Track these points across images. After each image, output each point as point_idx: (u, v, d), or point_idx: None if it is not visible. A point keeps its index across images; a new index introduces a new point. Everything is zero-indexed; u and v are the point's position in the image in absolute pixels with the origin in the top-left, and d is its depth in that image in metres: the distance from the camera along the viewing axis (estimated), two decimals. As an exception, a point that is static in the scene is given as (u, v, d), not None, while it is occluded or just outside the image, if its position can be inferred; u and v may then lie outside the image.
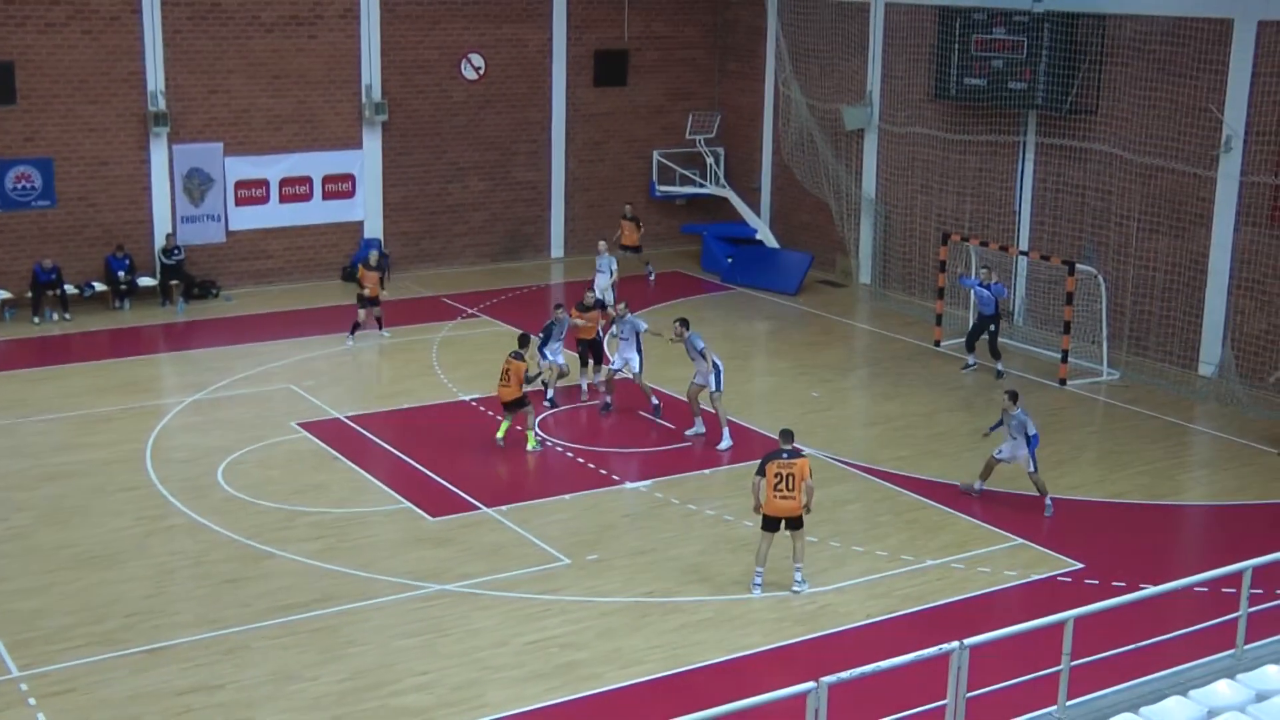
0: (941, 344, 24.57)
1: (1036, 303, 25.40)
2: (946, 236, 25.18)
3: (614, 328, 20.96)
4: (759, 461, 14.94)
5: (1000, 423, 17.68)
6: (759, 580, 14.93)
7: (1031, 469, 17.32)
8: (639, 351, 20.52)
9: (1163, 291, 23.51)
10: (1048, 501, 17.42)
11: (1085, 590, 15.02)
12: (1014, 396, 17.54)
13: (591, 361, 21.66)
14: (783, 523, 14.84)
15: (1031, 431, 17.26)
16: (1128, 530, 17.08)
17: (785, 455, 14.76)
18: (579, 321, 21.39)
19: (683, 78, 32.21)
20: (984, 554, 16.10)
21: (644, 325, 20.60)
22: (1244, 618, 10.60)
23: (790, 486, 14.61)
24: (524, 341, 19.72)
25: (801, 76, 29.78)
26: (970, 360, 23.35)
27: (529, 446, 19.09)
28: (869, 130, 28.69)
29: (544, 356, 20.88)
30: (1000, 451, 17.57)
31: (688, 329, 19.77)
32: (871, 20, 28.32)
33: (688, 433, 19.95)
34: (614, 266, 25.63)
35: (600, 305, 22.16)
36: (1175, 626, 12.26)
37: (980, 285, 23.00)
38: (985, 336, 23.10)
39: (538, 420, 19.71)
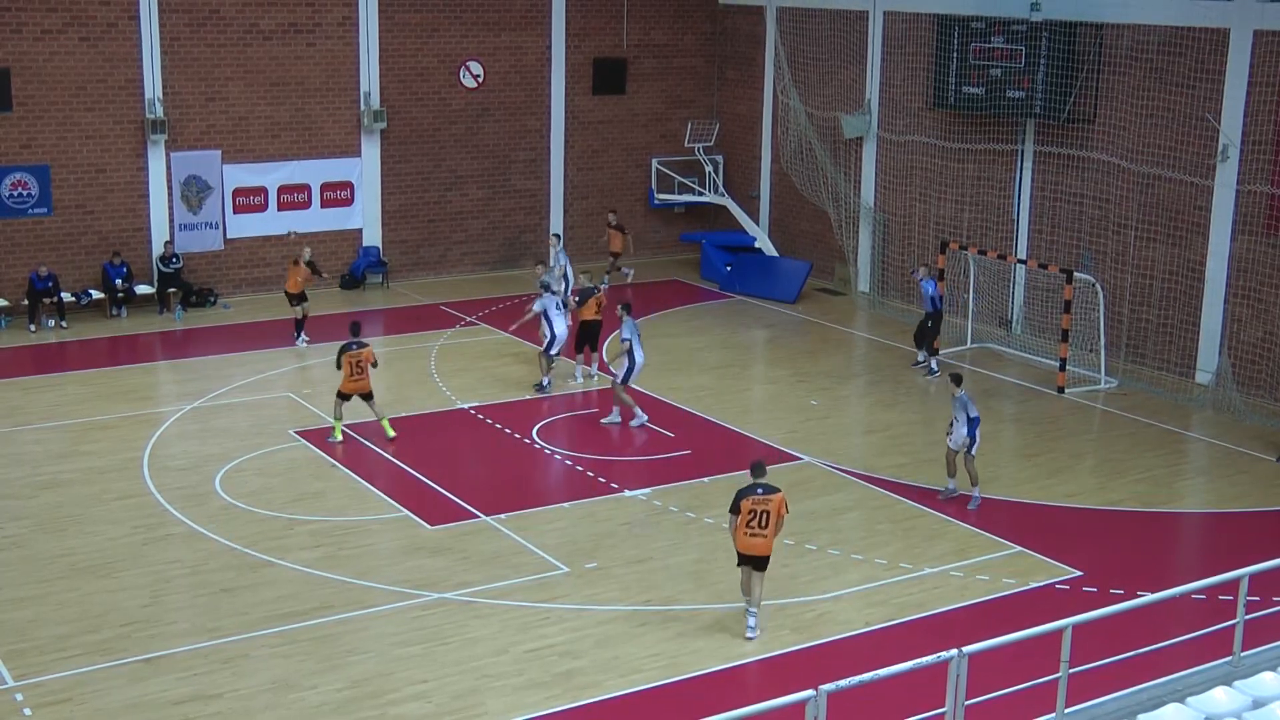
0: (939, 352, 24.56)
1: (1034, 311, 25.42)
2: (945, 245, 25.21)
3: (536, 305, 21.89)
4: (733, 498, 13.94)
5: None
6: (753, 621, 14.02)
7: (969, 453, 17.46)
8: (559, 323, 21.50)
9: (1160, 299, 23.54)
10: (975, 494, 17.56)
11: (1083, 598, 15.02)
12: (957, 379, 17.82)
13: (587, 349, 22.45)
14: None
15: (973, 414, 17.42)
16: (1126, 538, 17.08)
17: (760, 491, 13.78)
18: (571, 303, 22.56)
19: (681, 86, 32.25)
20: (982, 562, 16.10)
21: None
22: (1241, 625, 10.60)
23: (763, 524, 13.72)
24: (357, 329, 19.93)
25: (800, 85, 29.81)
26: (932, 364, 23.50)
27: (391, 434, 19.61)
28: (867, 138, 28.72)
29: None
30: (952, 441, 17.72)
31: (628, 313, 20.64)
32: (870, 29, 28.37)
33: (633, 423, 20.30)
34: (564, 261, 25.61)
35: (592, 292, 22.57)
36: (1173, 634, 12.28)
37: (922, 281, 23.42)
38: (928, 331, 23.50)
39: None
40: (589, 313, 22.26)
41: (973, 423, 17.43)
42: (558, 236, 27.27)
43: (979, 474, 17.75)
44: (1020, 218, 25.89)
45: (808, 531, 16.80)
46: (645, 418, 20.33)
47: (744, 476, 18.42)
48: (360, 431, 20.17)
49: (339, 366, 19.40)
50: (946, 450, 17.90)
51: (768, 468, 14.23)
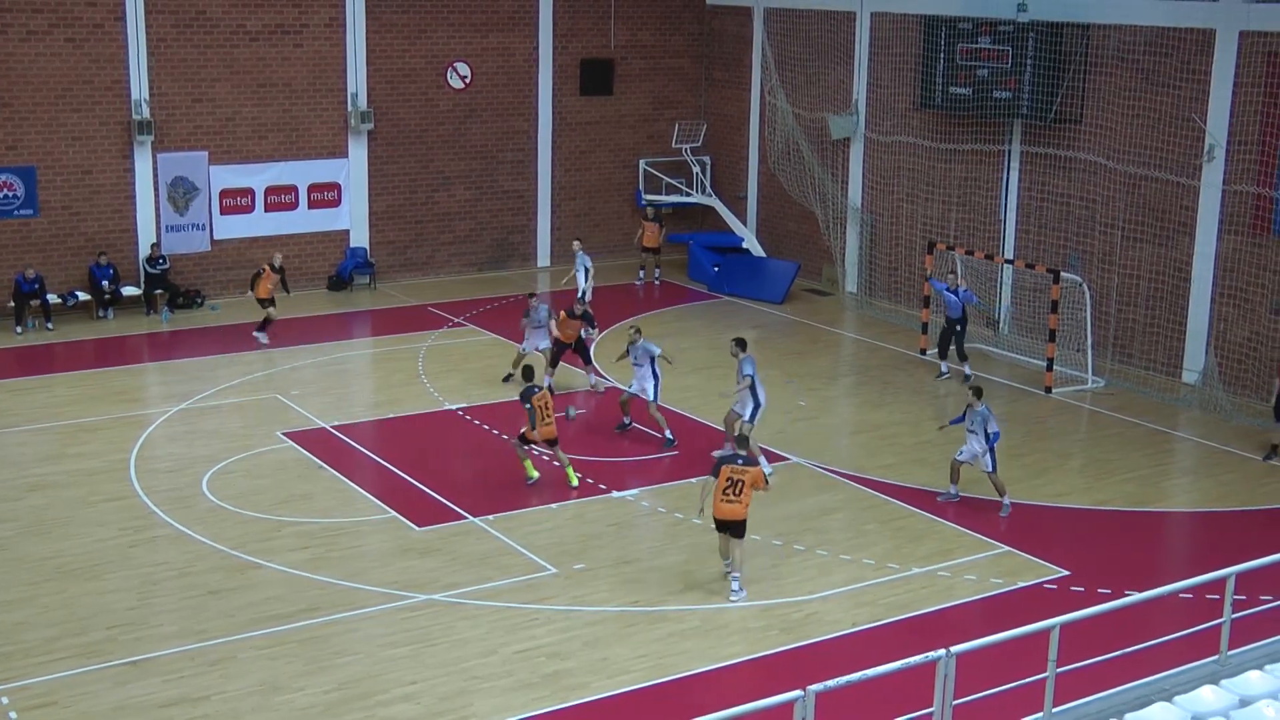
0: (927, 352, 24.61)
1: (1022, 311, 25.45)
2: (932, 245, 25.24)
3: (629, 354, 20.23)
4: (715, 462, 15.06)
5: (962, 417, 17.73)
6: (736, 584, 14.97)
7: (990, 469, 17.38)
8: (655, 377, 19.90)
9: (1147, 299, 23.60)
10: (1005, 502, 17.50)
11: (1071, 597, 15.05)
12: (978, 392, 17.73)
13: (583, 365, 22.06)
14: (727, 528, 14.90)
15: (993, 429, 17.32)
16: (1113, 537, 17.12)
17: (740, 461, 14.83)
18: (551, 325, 21.92)
19: (669, 87, 32.26)
20: (969, 561, 16.12)
21: (657, 350, 20.05)
22: (1228, 623, 10.63)
23: (738, 492, 14.65)
24: (531, 373, 18.38)
25: (787, 85, 29.84)
26: (944, 368, 23.45)
27: (574, 483, 18.00)
28: (855, 139, 28.76)
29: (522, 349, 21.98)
30: (961, 453, 17.65)
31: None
32: (857, 29, 28.40)
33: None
34: (589, 265, 25.65)
35: (587, 317, 22.17)
36: (1160, 633, 12.29)
37: (947, 290, 23.12)
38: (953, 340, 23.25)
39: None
40: (567, 333, 21.73)
41: (992, 438, 17.27)
42: (579, 240, 26.99)
43: (1003, 484, 17.55)
44: (1007, 218, 25.94)
45: (796, 532, 16.82)
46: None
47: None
48: (346, 432, 20.15)
49: (531, 410, 17.46)
50: (952, 460, 17.77)
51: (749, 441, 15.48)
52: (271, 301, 24.71)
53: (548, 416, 17.66)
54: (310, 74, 28.09)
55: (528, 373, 18.44)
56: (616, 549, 16.31)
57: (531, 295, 23.04)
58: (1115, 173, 23.79)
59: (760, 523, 16.84)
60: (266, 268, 24.82)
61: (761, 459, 18.41)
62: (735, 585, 14.94)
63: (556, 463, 18.23)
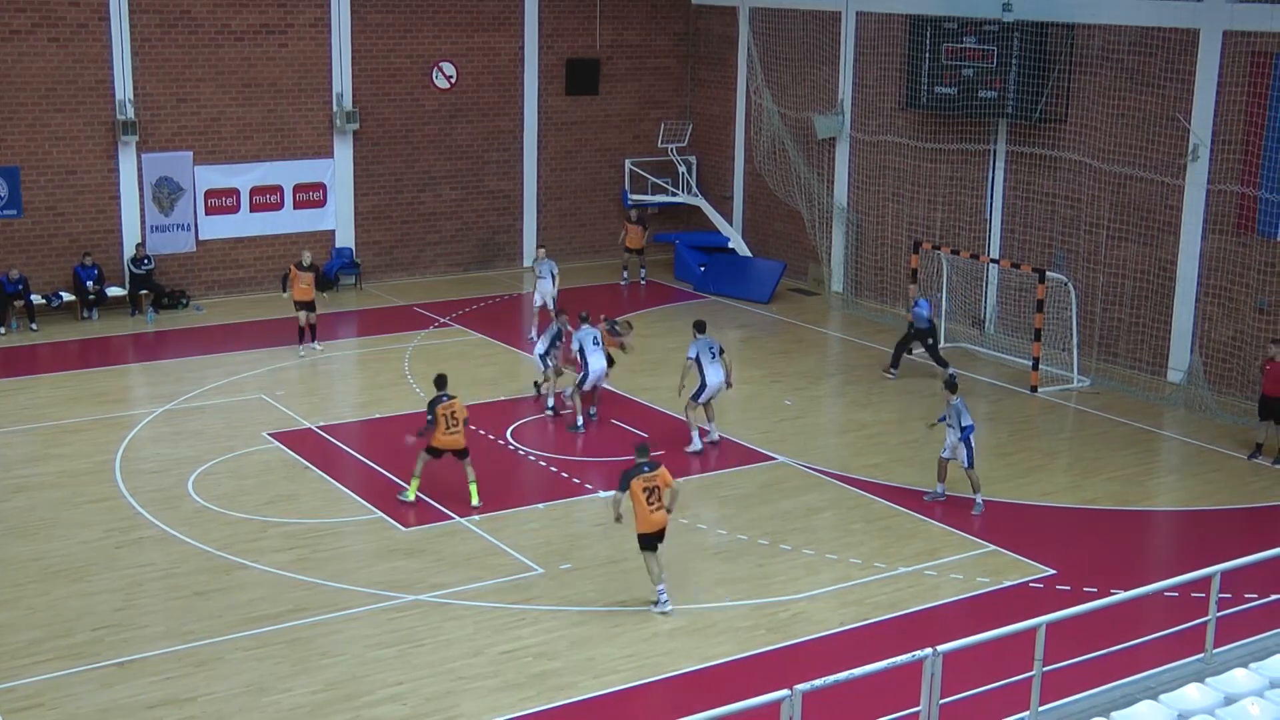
0: (914, 352, 24.63)
1: (1007, 310, 25.52)
2: (918, 245, 25.29)
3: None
4: (621, 478, 14.47)
5: (945, 416, 17.77)
6: (665, 597, 14.60)
7: (966, 463, 17.37)
8: (586, 366, 20.17)
9: (1132, 299, 23.68)
10: (978, 500, 17.52)
11: (1057, 596, 15.09)
12: (952, 386, 17.76)
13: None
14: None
15: (966, 422, 17.31)
16: (1099, 536, 17.17)
17: (647, 469, 14.42)
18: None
19: (654, 86, 32.26)
20: (956, 561, 16.15)
21: (578, 344, 20.25)
22: (1213, 622, 10.66)
23: (660, 498, 14.42)
24: (444, 382, 17.68)
25: (773, 85, 29.86)
26: (893, 372, 23.52)
27: (475, 502, 17.39)
28: (841, 139, 28.79)
29: (545, 365, 20.96)
30: (944, 449, 17.69)
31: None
32: (843, 29, 28.43)
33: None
34: (555, 271, 25.42)
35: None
36: (1146, 631, 12.34)
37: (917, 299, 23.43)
38: (924, 350, 23.46)
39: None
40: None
41: (965, 430, 17.28)
42: (543, 248, 26.69)
43: (980, 480, 17.60)
44: (993, 217, 26.00)
45: (782, 531, 16.83)
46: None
47: (719, 476, 18.56)
48: (332, 433, 20.11)
49: (431, 420, 17.14)
50: (939, 458, 17.82)
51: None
52: (308, 305, 23.82)
53: (453, 426, 17.16)
54: (295, 74, 28.03)
55: (440, 381, 17.60)
56: (603, 549, 16.30)
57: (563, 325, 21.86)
58: (1100, 172, 23.85)
59: (747, 522, 16.90)
60: (293, 268, 24.08)
61: (695, 434, 19.29)
62: (664, 596, 14.60)
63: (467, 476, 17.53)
